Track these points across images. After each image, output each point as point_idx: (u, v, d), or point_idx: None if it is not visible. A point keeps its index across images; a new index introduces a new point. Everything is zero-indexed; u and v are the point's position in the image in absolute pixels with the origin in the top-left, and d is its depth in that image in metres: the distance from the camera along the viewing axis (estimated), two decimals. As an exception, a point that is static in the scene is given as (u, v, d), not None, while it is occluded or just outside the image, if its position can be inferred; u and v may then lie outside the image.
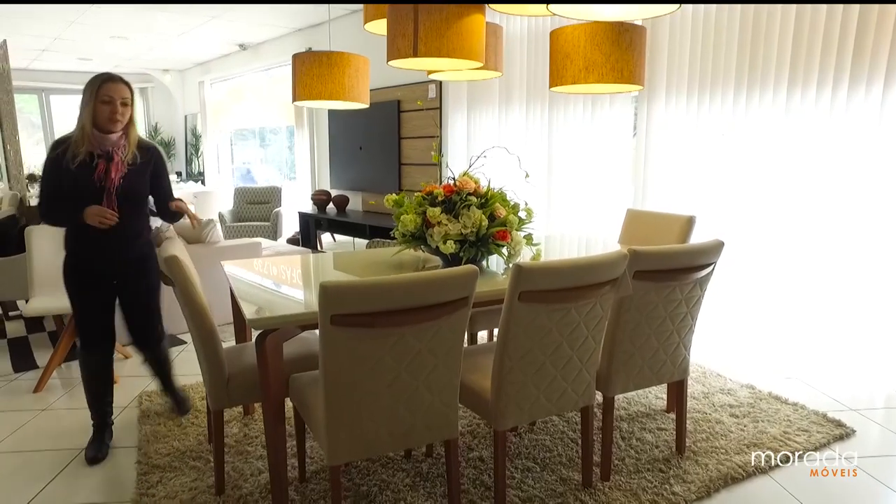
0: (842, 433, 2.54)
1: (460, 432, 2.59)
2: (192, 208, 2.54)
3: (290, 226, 7.31)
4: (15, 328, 4.15)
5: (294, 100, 2.89)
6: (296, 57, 2.82)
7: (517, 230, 2.49)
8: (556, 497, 2.12)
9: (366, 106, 2.94)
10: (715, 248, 2.12)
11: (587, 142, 4.44)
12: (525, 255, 2.73)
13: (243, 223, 6.92)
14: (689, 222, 2.89)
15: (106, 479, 2.29)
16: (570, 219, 4.67)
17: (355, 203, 6.76)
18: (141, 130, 10.89)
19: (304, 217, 6.78)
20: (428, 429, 1.84)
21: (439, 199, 2.43)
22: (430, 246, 2.45)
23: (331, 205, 6.71)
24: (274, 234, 6.82)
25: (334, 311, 1.56)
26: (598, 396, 2.24)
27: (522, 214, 2.59)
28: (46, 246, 3.36)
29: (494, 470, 1.97)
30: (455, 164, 5.38)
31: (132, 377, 3.26)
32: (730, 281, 3.74)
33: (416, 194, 2.54)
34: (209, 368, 2.05)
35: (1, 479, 2.31)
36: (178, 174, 10.86)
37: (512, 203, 2.55)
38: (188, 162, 10.97)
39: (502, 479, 1.98)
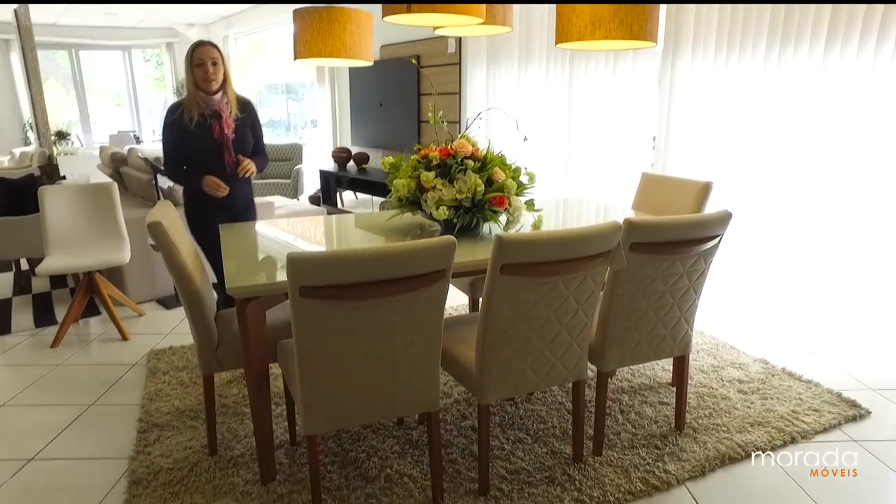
0: (854, 414, 2.41)
1: (455, 400, 2.57)
2: None
3: (312, 183, 7.29)
4: (40, 283, 4.29)
5: (295, 58, 2.79)
6: (296, 13, 2.71)
7: (517, 195, 2.38)
8: (544, 471, 2.09)
9: (369, 64, 2.83)
10: (720, 220, 1.97)
11: (609, 100, 4.23)
12: (527, 222, 2.64)
13: (264, 180, 6.91)
14: (705, 188, 2.73)
15: (109, 436, 2.36)
16: (590, 182, 4.50)
17: (376, 161, 6.67)
18: (168, 86, 10.97)
19: (324, 175, 6.75)
20: (408, 401, 1.81)
21: (434, 162, 2.34)
22: (425, 211, 2.37)
23: (351, 162, 6.64)
24: (294, 192, 6.81)
25: (303, 283, 1.52)
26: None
27: (524, 179, 2.47)
28: (60, 205, 3.40)
29: (479, 443, 1.94)
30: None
31: (143, 335, 3.34)
32: (751, 250, 3.56)
33: (412, 157, 2.45)
34: (197, 333, 2.06)
35: (12, 430, 2.41)
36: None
37: (513, 167, 2.43)
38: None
39: (486, 452, 1.94)
